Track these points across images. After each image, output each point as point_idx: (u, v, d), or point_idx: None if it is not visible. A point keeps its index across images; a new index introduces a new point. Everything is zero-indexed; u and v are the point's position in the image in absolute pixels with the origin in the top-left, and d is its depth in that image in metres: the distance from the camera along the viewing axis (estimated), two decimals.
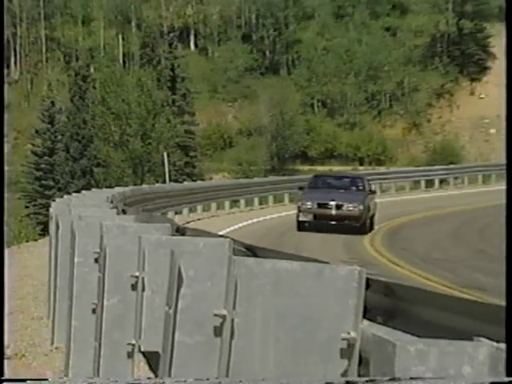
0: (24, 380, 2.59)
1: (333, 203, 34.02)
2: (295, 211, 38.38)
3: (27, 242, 37.72)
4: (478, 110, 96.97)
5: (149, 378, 4.96)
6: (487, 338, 2.80)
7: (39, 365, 10.65)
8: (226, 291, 4.74)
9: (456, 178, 59.73)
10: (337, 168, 74.94)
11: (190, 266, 4.97)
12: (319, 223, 33.63)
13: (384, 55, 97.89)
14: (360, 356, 4.51)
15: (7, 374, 6.64)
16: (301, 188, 36.94)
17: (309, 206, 33.92)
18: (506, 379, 2.90)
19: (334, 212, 34.18)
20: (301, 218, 33.87)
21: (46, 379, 2.95)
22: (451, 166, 68.11)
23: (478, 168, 65.18)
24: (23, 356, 11.11)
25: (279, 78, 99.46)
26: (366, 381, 2.75)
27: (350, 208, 33.99)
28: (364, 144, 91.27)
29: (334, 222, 33.88)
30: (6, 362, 6.73)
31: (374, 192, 37.72)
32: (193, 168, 76.56)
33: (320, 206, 34.13)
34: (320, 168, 77.20)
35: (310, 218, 33.92)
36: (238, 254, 5.76)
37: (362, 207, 33.60)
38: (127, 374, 7.29)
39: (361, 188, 36.36)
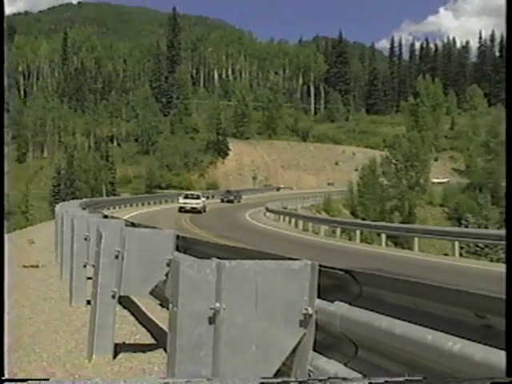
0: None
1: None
2: (156, 208, 37.22)
3: (49, 221, 35.71)
4: (225, 171, 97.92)
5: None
6: (218, 258, 2.60)
7: (51, 270, 9.95)
8: (119, 241, 4.53)
9: (213, 197, 56.85)
10: (173, 191, 72.75)
11: (105, 231, 4.72)
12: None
13: (192, 148, 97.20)
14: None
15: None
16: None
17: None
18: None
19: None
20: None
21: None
22: (214, 190, 68.20)
23: (229, 192, 63.56)
24: (45, 266, 10.39)
25: (149, 156, 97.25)
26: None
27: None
28: (182, 181, 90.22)
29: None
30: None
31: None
32: (115, 191, 74.56)
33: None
34: (165, 191, 75.87)
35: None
36: (127, 226, 5.53)
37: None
38: (84, 275, 6.89)
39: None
